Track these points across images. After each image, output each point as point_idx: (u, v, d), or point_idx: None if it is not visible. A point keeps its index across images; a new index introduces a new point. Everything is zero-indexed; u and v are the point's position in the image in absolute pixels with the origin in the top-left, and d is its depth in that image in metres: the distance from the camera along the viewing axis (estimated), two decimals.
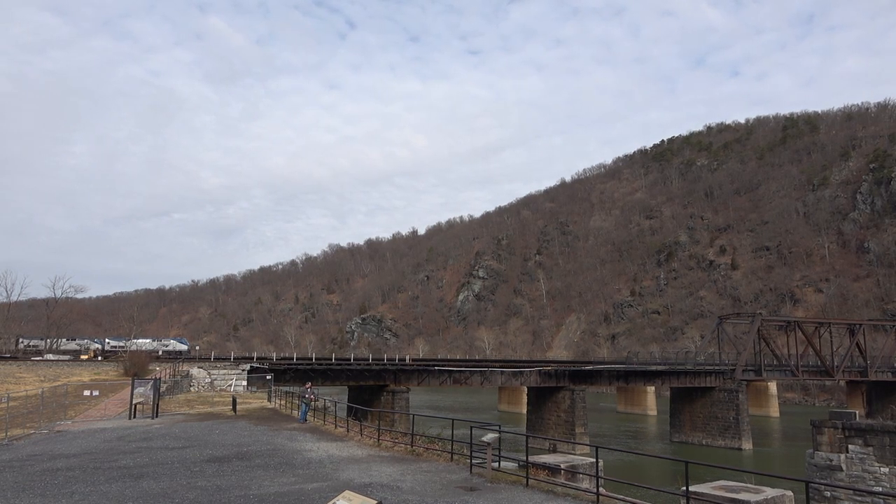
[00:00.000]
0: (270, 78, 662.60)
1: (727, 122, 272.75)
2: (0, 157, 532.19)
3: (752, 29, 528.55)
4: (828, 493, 35.67)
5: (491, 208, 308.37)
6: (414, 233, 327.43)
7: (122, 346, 77.93)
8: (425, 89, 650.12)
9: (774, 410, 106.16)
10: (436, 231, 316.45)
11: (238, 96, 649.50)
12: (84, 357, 68.67)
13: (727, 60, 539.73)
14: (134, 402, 31.46)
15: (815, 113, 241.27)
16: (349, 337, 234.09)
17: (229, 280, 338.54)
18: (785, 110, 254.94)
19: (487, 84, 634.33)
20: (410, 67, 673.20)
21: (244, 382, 51.12)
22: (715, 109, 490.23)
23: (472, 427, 17.30)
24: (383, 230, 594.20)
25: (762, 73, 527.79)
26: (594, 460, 14.77)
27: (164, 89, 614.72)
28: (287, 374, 57.55)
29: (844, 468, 37.95)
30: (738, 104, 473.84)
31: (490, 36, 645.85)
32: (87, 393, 35.47)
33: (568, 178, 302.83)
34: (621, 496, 14.37)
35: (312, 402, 31.20)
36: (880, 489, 35.21)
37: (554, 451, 34.87)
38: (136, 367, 48.06)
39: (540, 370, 69.52)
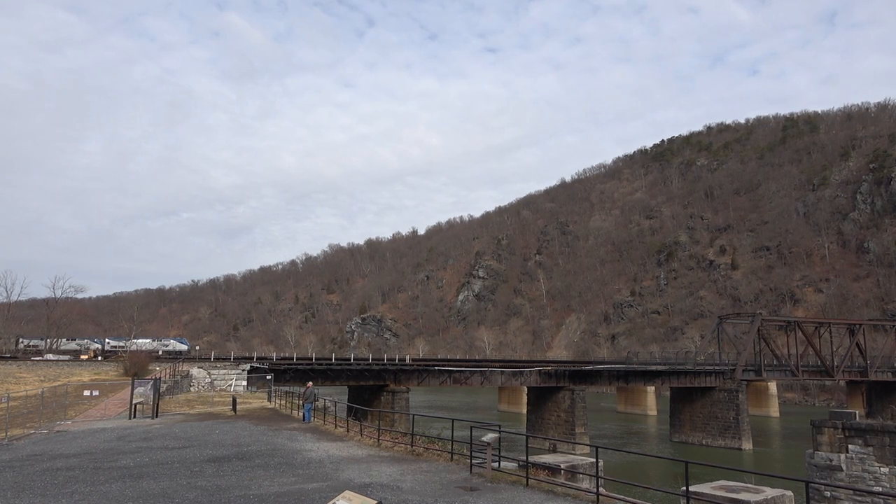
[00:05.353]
0: (288, 75, 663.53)
1: (727, 122, 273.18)
2: (12, 156, 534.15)
3: (775, 26, 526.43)
4: (828, 493, 35.67)
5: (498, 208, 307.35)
6: (414, 233, 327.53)
7: (122, 346, 77.97)
8: (441, 88, 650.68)
9: (774, 410, 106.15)
10: (436, 231, 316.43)
11: (255, 94, 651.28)
12: (84, 357, 68.66)
13: (747, 59, 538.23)
14: (134, 402, 31.44)
15: (815, 113, 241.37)
16: (349, 337, 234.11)
17: (229, 280, 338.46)
18: (800, 109, 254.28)
19: (504, 82, 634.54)
20: (427, 66, 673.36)
21: (244, 382, 51.13)
22: (731, 108, 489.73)
23: (472, 427, 17.30)
24: (392, 230, 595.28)
25: (781, 71, 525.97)
26: (594, 460, 14.77)
27: (180, 87, 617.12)
28: (287, 374, 57.53)
29: (844, 468, 37.95)
30: (753, 102, 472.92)
31: (509, 34, 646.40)
32: (87, 393, 35.46)
33: (568, 178, 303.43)
34: (621, 496, 14.37)
35: (314, 403, 31.18)
36: (880, 489, 35.22)
37: (554, 451, 34.89)
38: (136, 367, 48.05)
39: (540, 370, 69.50)
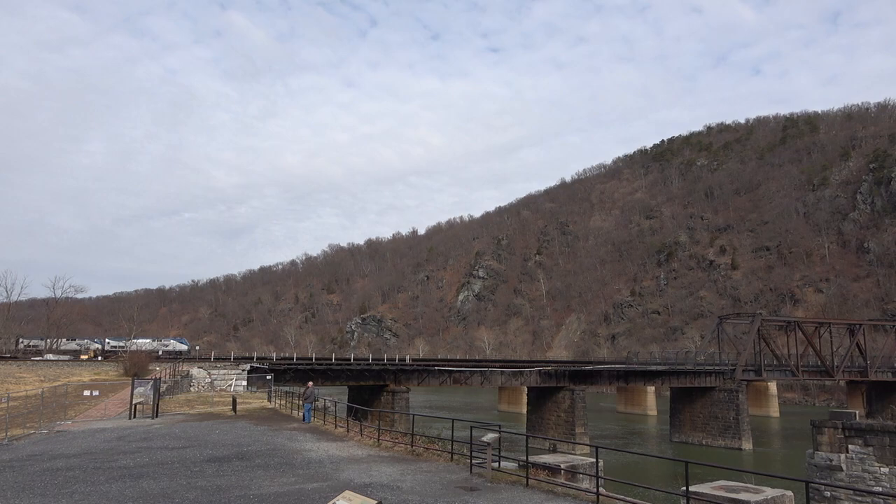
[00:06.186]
0: (290, 75, 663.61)
1: (727, 122, 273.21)
2: (14, 156, 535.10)
3: (779, 25, 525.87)
4: (828, 493, 35.67)
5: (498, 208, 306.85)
6: (414, 233, 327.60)
7: (122, 346, 77.92)
8: (444, 87, 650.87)
9: (774, 410, 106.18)
10: (436, 231, 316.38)
11: (258, 94, 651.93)
12: (84, 357, 68.67)
13: (750, 58, 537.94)
14: (134, 402, 31.42)
15: (816, 113, 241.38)
16: (349, 337, 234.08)
17: (229, 280, 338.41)
18: (801, 109, 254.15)
19: (507, 82, 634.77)
20: (429, 65, 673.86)
21: (244, 382, 51.12)
22: (733, 108, 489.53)
23: (472, 427, 17.30)
24: (393, 230, 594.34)
25: (784, 71, 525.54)
26: (594, 460, 14.77)
27: (182, 87, 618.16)
28: (287, 374, 57.54)
29: (844, 468, 37.95)
30: (756, 102, 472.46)
31: (512, 33, 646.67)
32: (87, 393, 35.45)
33: (568, 178, 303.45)
34: (621, 496, 14.36)
35: (314, 403, 31.17)
36: (880, 489, 35.23)
37: (554, 451, 34.86)
38: (136, 367, 48.01)
39: (540, 370, 69.52)
